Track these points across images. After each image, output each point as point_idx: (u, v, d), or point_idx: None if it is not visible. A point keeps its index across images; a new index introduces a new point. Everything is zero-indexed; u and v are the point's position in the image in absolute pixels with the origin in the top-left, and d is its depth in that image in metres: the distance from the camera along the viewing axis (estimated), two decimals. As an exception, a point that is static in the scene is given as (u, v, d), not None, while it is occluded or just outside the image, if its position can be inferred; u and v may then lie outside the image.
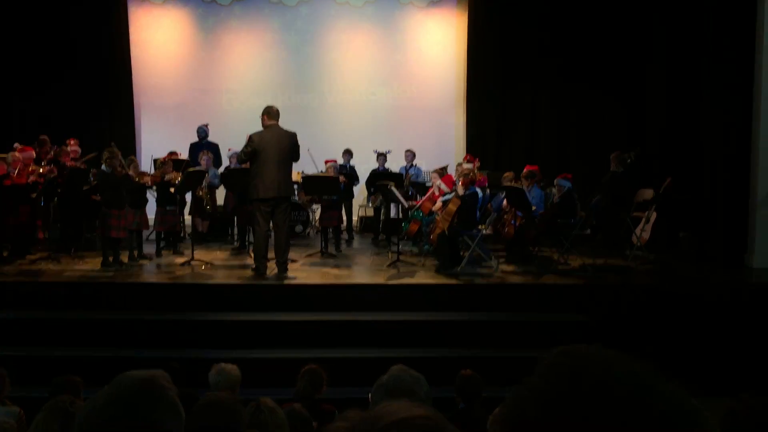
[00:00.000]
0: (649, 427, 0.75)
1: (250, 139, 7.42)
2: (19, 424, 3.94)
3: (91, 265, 8.22)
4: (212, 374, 4.31)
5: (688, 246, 9.35)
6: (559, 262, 8.48)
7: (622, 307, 7.15)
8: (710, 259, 8.85)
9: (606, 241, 9.26)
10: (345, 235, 10.74)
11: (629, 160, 9.32)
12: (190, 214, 9.74)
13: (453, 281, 7.54)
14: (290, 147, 7.47)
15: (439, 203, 8.81)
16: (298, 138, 7.62)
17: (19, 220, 8.46)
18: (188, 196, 9.52)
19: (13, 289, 7.20)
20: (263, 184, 7.37)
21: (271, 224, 7.65)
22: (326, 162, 10.16)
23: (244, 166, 8.22)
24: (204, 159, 9.77)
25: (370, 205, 11.23)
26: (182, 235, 10.10)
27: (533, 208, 8.54)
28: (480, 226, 8.51)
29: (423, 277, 7.70)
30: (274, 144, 7.37)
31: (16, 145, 8.92)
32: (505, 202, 8.89)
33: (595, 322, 6.81)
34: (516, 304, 7.19)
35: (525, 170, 9.09)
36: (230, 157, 10.04)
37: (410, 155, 10.89)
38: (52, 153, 9.45)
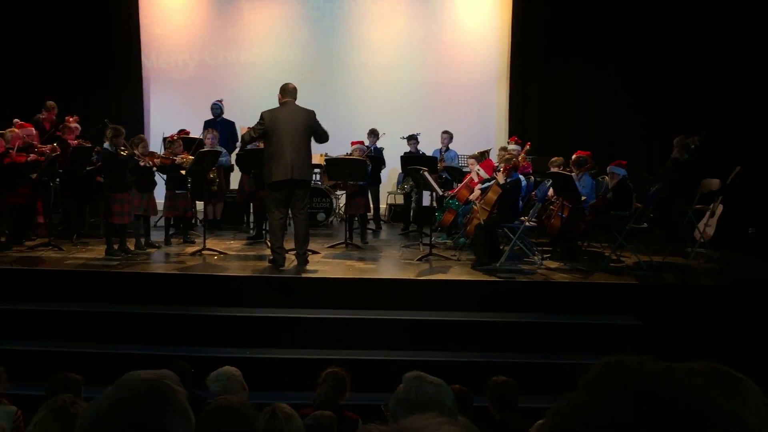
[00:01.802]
0: None
1: (261, 117, 7.51)
2: (16, 424, 4.02)
3: (94, 253, 8.32)
4: (210, 380, 4.28)
5: (757, 243, 9.20)
6: (611, 258, 8.43)
7: (681, 311, 7.06)
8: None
9: (665, 236, 9.20)
10: (371, 225, 10.77)
11: (693, 146, 9.20)
12: (203, 199, 9.77)
13: (491, 278, 7.52)
14: (307, 126, 7.51)
15: (477, 191, 8.80)
16: (320, 117, 7.68)
17: (18, 202, 8.57)
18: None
19: (9, 278, 7.31)
20: (276, 166, 7.42)
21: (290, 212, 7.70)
22: (352, 143, 10.21)
23: (259, 146, 8.31)
24: (209, 137, 9.82)
25: (399, 191, 11.25)
26: (194, 221, 10.17)
27: (583, 198, 8.51)
28: (522, 218, 8.48)
29: (457, 273, 7.70)
30: (288, 123, 7.44)
31: (15, 120, 9.07)
32: (551, 191, 8.85)
33: (649, 327, 6.76)
34: (561, 304, 7.16)
35: (575, 156, 9.06)
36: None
37: (447, 137, 10.90)
38: (56, 128, 9.55)
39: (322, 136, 7.70)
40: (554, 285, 7.43)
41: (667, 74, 11.32)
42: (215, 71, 12.49)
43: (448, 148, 10.93)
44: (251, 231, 10.00)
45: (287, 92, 7.61)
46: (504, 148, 9.91)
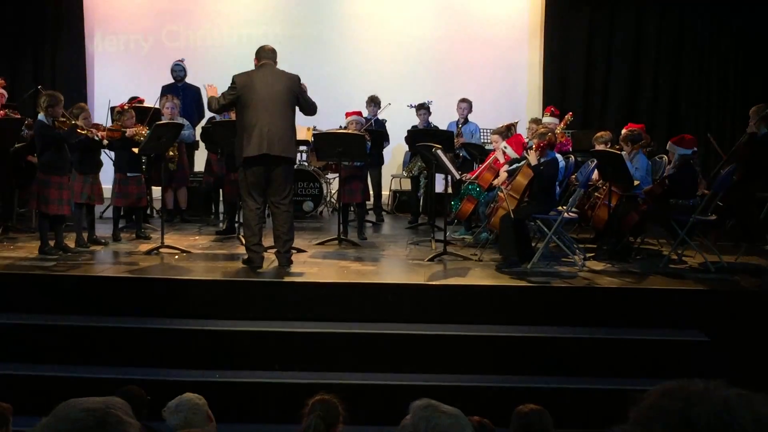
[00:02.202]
0: None
1: (233, 81, 7.59)
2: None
3: (24, 251, 8.31)
4: (169, 410, 4.26)
5: None
6: (670, 258, 8.41)
7: (758, 324, 7.01)
8: None
9: (738, 230, 9.18)
10: (371, 216, 10.81)
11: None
12: (161, 185, 9.75)
13: (520, 283, 7.49)
14: (288, 92, 7.58)
15: (503, 174, 8.79)
16: (310, 83, 7.73)
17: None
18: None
19: None
20: (249, 139, 7.48)
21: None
22: (347, 115, 10.20)
23: (231, 116, 8.35)
24: (168, 107, 9.79)
25: (406, 174, 11.24)
26: (149, 212, 10.21)
27: (636, 182, 8.46)
28: (560, 207, 8.47)
29: (478, 277, 7.67)
30: (265, 87, 7.52)
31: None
32: (596, 173, 8.82)
33: (719, 344, 6.71)
34: (607, 316, 7.15)
35: (625, 130, 9.05)
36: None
37: (465, 107, 10.89)
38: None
39: (310, 107, 7.76)
40: (599, 291, 7.40)
41: (744, 25, 11.25)
42: (176, 26, 12.50)
43: (466, 121, 10.91)
44: (221, 224, 10.01)
45: (264, 54, 7.71)
46: (537, 120, 9.91)
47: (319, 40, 12.39)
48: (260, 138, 7.45)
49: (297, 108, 7.73)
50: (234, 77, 7.60)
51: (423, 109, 10.82)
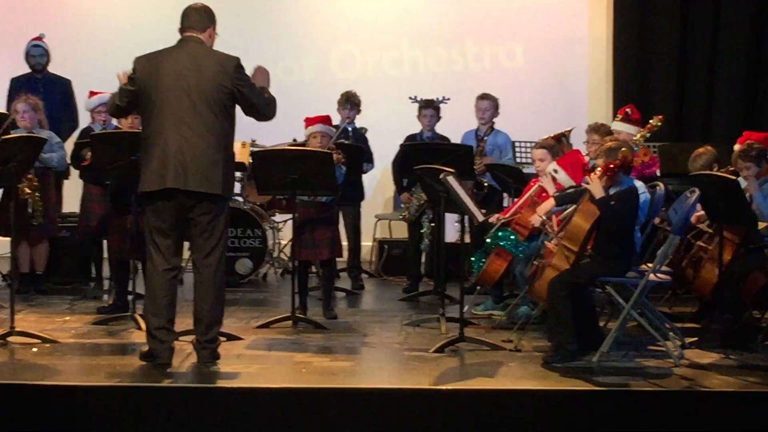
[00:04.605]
0: None
1: (133, 68, 7.65)
2: None
3: None
4: None
5: None
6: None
7: None
8: None
9: None
10: (345, 281, 11.10)
11: None
12: (11, 235, 9.55)
13: (581, 386, 7.41)
14: (217, 85, 7.48)
15: (545, 206, 8.83)
16: (257, 71, 7.78)
17: None
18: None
19: None
20: (147, 163, 7.49)
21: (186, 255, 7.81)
22: (308, 121, 10.13)
23: (126, 126, 8.58)
24: (22, 110, 9.86)
25: (402, 215, 11.33)
26: None
27: (763, 224, 8.49)
28: (643, 265, 8.43)
29: (515, 377, 7.63)
30: (173, 80, 7.45)
31: None
32: (698, 209, 8.81)
33: None
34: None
35: (741, 143, 9.13)
36: (91, 110, 10.15)
37: (488, 107, 10.98)
38: None
39: (259, 105, 7.68)
40: (706, 399, 7.35)
41: None
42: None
43: (492, 128, 10.98)
44: (107, 297, 10.13)
45: (187, 20, 7.65)
46: (602, 129, 9.87)
47: (274, 9, 13.05)
48: (163, 162, 7.34)
49: (237, 109, 7.64)
50: (134, 61, 7.59)
51: (430, 108, 10.95)
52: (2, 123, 9.37)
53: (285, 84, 11.17)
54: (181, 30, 7.65)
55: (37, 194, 9.80)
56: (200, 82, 7.43)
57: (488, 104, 10.89)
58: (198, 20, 7.59)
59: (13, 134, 9.05)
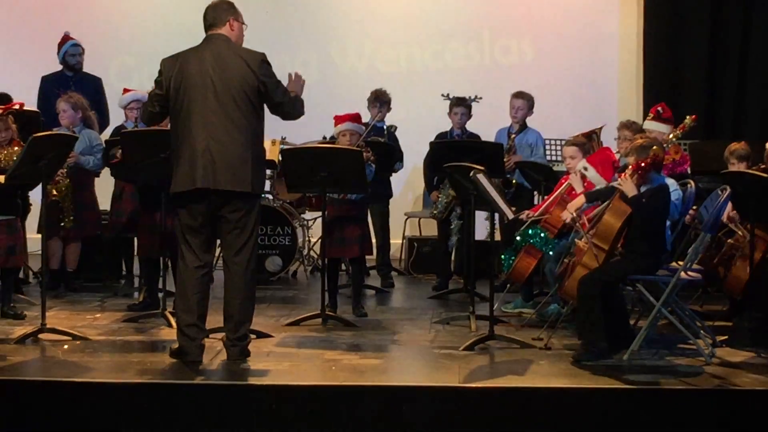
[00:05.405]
0: None
1: (159, 70, 7.66)
2: None
3: None
4: None
5: None
6: None
7: None
8: None
9: None
10: (374, 280, 11.06)
11: None
12: (44, 233, 9.62)
13: (612, 383, 7.38)
14: (243, 83, 7.49)
15: (576, 202, 8.72)
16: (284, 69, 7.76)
17: None
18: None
19: None
20: (180, 164, 7.51)
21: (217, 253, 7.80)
22: (337, 120, 10.07)
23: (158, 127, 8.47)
24: (63, 110, 9.88)
25: (432, 212, 11.28)
26: (24, 276, 10.29)
27: None
28: (674, 263, 8.44)
29: (545, 375, 7.62)
30: (200, 78, 7.46)
31: None
32: (729, 208, 8.80)
33: None
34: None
35: None
36: (124, 107, 10.17)
37: (521, 106, 10.97)
38: None
39: (287, 105, 7.68)
40: (739, 397, 7.29)
41: None
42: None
43: (524, 126, 10.97)
44: (137, 295, 10.10)
45: (209, 19, 7.64)
46: (634, 126, 9.86)
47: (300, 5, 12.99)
48: (192, 163, 7.37)
49: (265, 108, 7.62)
50: (162, 63, 7.59)
51: (461, 106, 10.91)
52: (35, 122, 9.33)
53: (315, 81, 11.12)
54: (206, 30, 7.68)
55: (66, 197, 9.89)
56: (225, 80, 7.45)
57: (522, 102, 10.87)
58: (216, 16, 7.60)
59: (46, 132, 9.05)
